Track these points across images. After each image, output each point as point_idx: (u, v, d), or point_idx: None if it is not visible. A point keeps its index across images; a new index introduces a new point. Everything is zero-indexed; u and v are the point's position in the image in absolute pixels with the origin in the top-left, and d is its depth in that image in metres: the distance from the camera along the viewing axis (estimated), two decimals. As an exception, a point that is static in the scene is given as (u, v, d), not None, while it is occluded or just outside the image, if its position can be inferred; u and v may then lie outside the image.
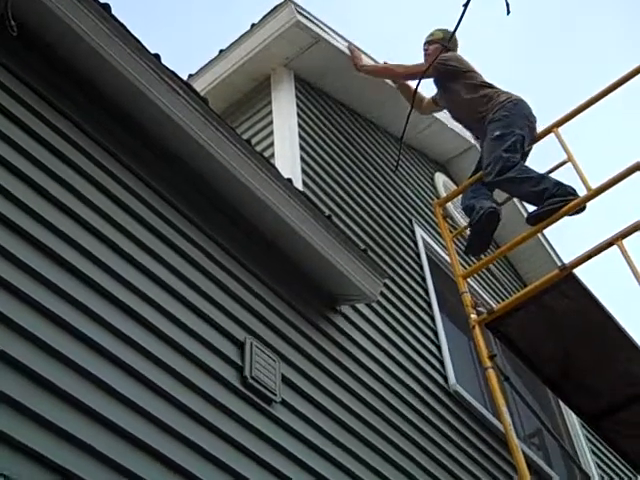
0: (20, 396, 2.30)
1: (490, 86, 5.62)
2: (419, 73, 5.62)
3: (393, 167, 6.14)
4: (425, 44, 6.04)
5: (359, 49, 6.05)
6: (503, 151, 5.04)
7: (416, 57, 6.19)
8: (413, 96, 5.34)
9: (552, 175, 5.06)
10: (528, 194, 4.92)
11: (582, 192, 4.72)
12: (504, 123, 5.22)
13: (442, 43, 5.80)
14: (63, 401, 2.43)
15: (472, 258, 6.67)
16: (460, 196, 5.60)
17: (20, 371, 2.35)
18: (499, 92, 5.51)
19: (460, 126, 6.96)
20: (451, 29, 5.71)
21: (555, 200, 4.68)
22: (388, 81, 6.30)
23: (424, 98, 6.25)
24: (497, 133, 5.19)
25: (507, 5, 2.79)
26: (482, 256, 6.44)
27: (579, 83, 24.10)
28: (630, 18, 21.47)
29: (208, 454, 2.83)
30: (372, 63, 6.07)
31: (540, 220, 4.74)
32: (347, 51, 5.97)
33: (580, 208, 4.72)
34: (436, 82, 5.86)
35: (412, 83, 6.01)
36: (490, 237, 5.15)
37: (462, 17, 2.98)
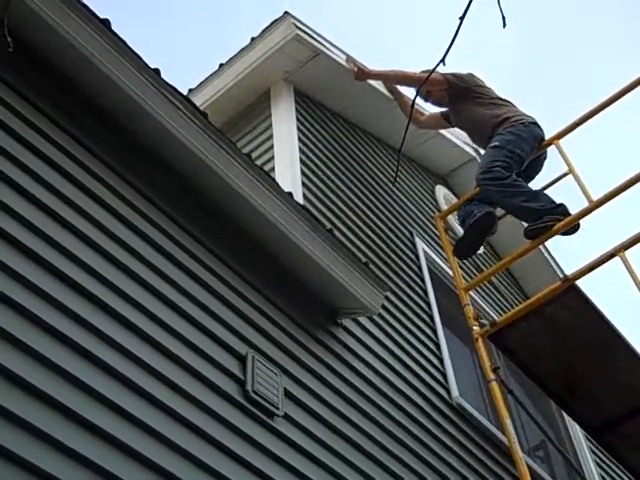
0: (17, 409, 2.29)
1: (505, 104, 5.56)
2: (433, 80, 5.44)
3: (394, 178, 6.11)
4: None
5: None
6: (499, 162, 5.02)
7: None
8: (412, 106, 5.29)
9: (552, 187, 5.07)
10: (520, 208, 4.88)
11: (584, 204, 4.72)
12: (507, 138, 5.18)
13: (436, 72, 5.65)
14: (66, 417, 2.42)
15: (474, 271, 6.67)
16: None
17: (13, 382, 2.34)
18: (514, 112, 5.44)
19: (461, 138, 6.97)
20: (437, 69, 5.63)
21: (554, 217, 4.67)
22: (387, 93, 6.28)
23: (423, 112, 6.23)
24: (496, 144, 5.17)
25: (503, 18, 2.78)
26: (484, 268, 6.45)
27: (581, 86, 24.18)
28: (630, 18, 21.52)
29: (210, 468, 2.82)
30: (378, 70, 5.99)
31: (537, 234, 4.71)
32: (346, 64, 5.96)
33: (575, 226, 4.72)
34: (449, 97, 5.79)
35: (412, 96, 5.98)
36: (481, 241, 5.12)
37: (458, 30, 2.98)
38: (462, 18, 2.80)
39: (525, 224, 6.74)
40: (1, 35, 2.58)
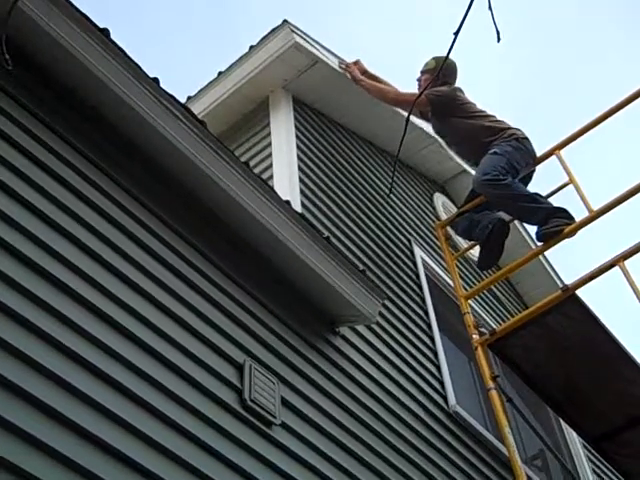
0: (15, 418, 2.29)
1: (491, 117, 5.60)
2: (409, 102, 5.57)
3: (389, 189, 6.12)
4: (419, 74, 6.03)
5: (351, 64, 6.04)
6: (499, 166, 5.07)
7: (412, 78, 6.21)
8: (406, 124, 5.34)
9: (553, 197, 5.10)
10: (522, 208, 4.92)
11: (584, 214, 4.73)
12: (506, 149, 5.24)
13: (432, 73, 5.76)
14: (61, 424, 2.42)
15: (473, 280, 6.67)
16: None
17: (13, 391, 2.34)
18: (505, 125, 5.49)
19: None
20: (440, 56, 5.76)
21: (562, 222, 4.69)
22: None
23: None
24: (496, 150, 5.23)
25: (497, 33, 2.81)
26: (484, 277, 6.45)
27: (582, 93, 24.20)
28: (630, 20, 21.60)
29: (208, 477, 2.81)
30: (369, 82, 6.03)
31: (550, 237, 4.72)
32: (346, 73, 5.97)
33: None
34: (432, 115, 5.83)
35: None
36: (502, 248, 5.15)
37: (453, 45, 3.01)
38: (456, 34, 2.84)
39: (526, 225, 6.80)
40: (0, 53, 2.58)
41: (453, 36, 2.89)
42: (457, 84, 5.93)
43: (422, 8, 24.28)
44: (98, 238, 2.97)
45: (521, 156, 5.27)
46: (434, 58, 5.96)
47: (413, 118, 6.24)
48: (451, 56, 4.64)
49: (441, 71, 5.38)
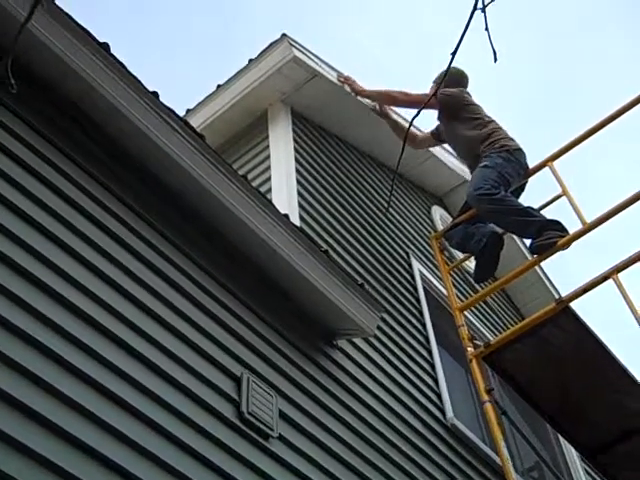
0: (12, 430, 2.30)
1: (492, 124, 5.63)
2: (420, 102, 5.59)
3: (387, 205, 6.15)
4: (432, 83, 6.09)
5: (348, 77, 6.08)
6: (490, 180, 5.10)
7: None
8: (408, 128, 5.37)
9: (546, 209, 5.13)
10: (516, 222, 4.94)
11: (577, 226, 4.75)
12: (497, 161, 5.27)
13: (437, 82, 5.81)
14: (58, 436, 2.43)
15: (469, 291, 6.68)
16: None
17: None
18: (501, 135, 5.53)
19: (456, 160, 7.02)
20: (460, 66, 5.84)
21: (555, 234, 4.71)
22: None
23: (417, 134, 6.29)
24: (487, 163, 5.26)
25: (494, 53, 2.85)
26: (479, 288, 6.46)
27: (583, 106, 24.19)
28: (630, 19, 21.62)
29: (205, 490, 2.83)
30: (372, 90, 6.07)
31: (544, 250, 4.75)
32: (345, 87, 6.01)
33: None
34: (439, 115, 5.89)
35: (407, 116, 6.04)
36: (497, 261, 5.17)
37: (450, 64, 3.05)
38: (454, 54, 2.87)
39: (519, 238, 6.81)
40: (5, 77, 2.61)
41: (450, 56, 2.92)
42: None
43: (423, 13, 24.38)
44: (95, 250, 2.98)
45: (512, 168, 5.30)
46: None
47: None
48: (456, 63, 4.69)
49: (443, 82, 5.43)
